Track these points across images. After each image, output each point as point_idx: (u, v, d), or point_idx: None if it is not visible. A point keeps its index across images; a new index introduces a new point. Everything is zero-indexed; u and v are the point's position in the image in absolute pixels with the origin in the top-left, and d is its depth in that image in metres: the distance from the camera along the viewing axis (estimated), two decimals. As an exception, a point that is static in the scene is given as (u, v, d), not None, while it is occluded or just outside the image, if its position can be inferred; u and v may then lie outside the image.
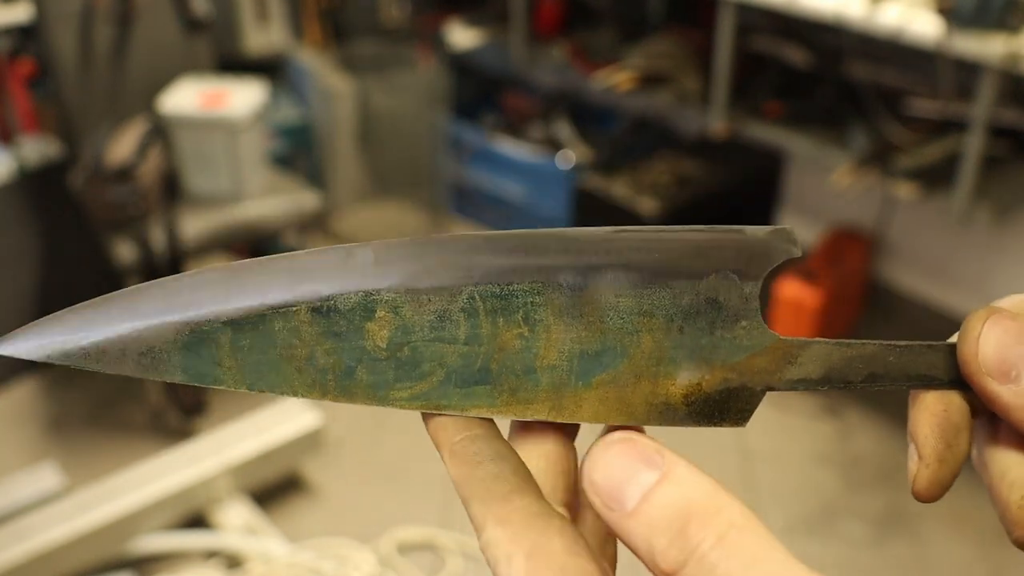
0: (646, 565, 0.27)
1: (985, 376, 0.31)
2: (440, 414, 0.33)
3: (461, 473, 0.31)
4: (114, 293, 0.33)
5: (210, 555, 1.95)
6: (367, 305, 0.32)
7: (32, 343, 0.34)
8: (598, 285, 0.32)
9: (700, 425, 0.33)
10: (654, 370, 0.32)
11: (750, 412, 0.33)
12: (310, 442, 2.13)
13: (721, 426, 0.33)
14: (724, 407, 0.33)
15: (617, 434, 0.28)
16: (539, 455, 0.34)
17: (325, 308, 0.32)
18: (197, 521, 2.01)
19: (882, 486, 2.20)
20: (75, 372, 2.50)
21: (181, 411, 2.32)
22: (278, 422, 2.12)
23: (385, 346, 0.32)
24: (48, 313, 0.35)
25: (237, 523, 1.98)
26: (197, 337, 0.32)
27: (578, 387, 0.33)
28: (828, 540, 2.05)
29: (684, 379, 0.32)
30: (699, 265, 0.32)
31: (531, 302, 0.32)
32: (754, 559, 0.25)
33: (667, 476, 0.27)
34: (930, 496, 0.33)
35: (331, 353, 0.32)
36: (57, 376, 2.51)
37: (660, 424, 0.33)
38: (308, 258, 0.33)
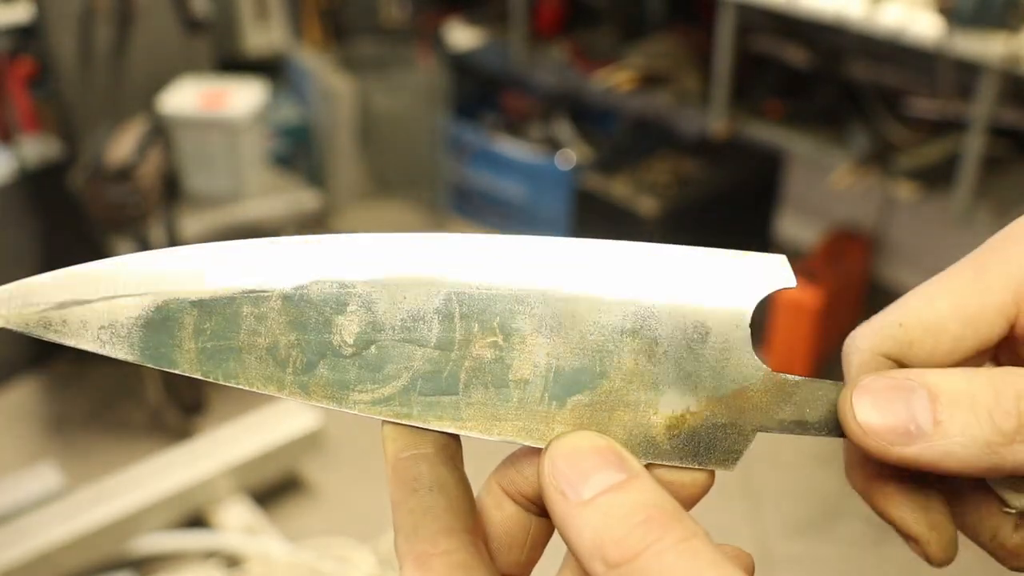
0: (581, 559, 0.26)
1: (889, 447, 0.28)
2: (395, 422, 0.31)
3: (396, 496, 0.30)
4: (88, 264, 0.32)
5: (210, 555, 1.95)
6: (340, 297, 0.31)
7: None
8: (580, 298, 0.30)
9: (684, 463, 0.30)
10: (635, 396, 0.30)
11: (739, 454, 0.31)
12: (310, 442, 2.13)
13: (706, 466, 0.31)
14: (710, 445, 0.30)
15: (594, 432, 0.28)
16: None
17: (296, 296, 0.31)
18: (197, 521, 2.01)
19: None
20: (75, 372, 2.50)
21: (181, 410, 2.32)
22: (278, 422, 2.12)
23: (352, 342, 0.31)
24: None
25: (237, 523, 1.98)
26: (161, 315, 0.31)
27: (551, 407, 0.30)
28: (828, 540, 2.05)
29: (667, 409, 0.30)
30: (689, 288, 0.30)
31: (509, 309, 0.30)
32: (711, 569, 0.24)
33: (635, 479, 0.26)
34: (951, 557, 0.31)
35: (294, 345, 0.31)
36: (57, 376, 2.51)
37: (640, 458, 0.30)
38: (287, 243, 0.32)
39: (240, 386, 0.31)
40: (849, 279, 2.55)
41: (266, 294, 0.31)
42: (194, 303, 0.31)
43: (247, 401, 2.30)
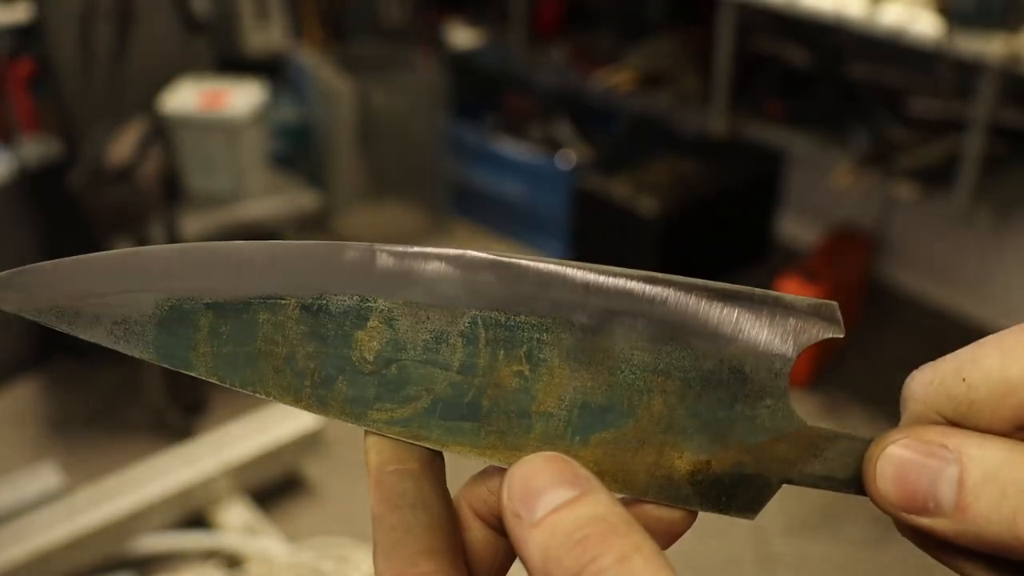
0: None
1: (903, 514, 0.27)
2: (378, 433, 0.30)
3: (378, 511, 0.29)
4: (101, 254, 0.31)
5: (210, 555, 1.95)
6: (360, 311, 0.30)
7: (4, 292, 0.31)
8: (613, 332, 0.29)
9: (704, 509, 0.30)
10: (661, 438, 0.29)
11: (761, 505, 0.30)
12: (310, 442, 2.13)
13: (727, 514, 0.30)
14: (733, 493, 0.29)
15: (552, 453, 0.27)
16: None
17: (315, 307, 0.30)
18: (197, 521, 2.01)
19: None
20: (75, 372, 2.50)
21: (181, 410, 2.32)
22: (278, 422, 2.12)
23: (372, 359, 0.30)
24: None
25: (237, 523, 1.98)
26: (176, 315, 0.30)
27: (574, 442, 0.29)
28: (828, 540, 2.04)
29: (693, 454, 0.29)
30: (730, 330, 0.29)
31: (537, 338, 0.29)
32: None
33: (585, 495, 0.26)
34: None
35: (313, 357, 0.30)
36: (57, 376, 2.51)
37: (659, 500, 0.30)
38: (306, 250, 0.31)
39: (257, 394, 0.30)
40: (849, 279, 2.55)
41: (283, 302, 0.30)
42: (209, 305, 0.30)
43: (247, 401, 2.30)
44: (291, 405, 0.30)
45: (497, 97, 3.30)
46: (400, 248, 0.30)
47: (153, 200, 2.20)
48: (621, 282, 0.30)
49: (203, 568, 1.89)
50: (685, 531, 0.30)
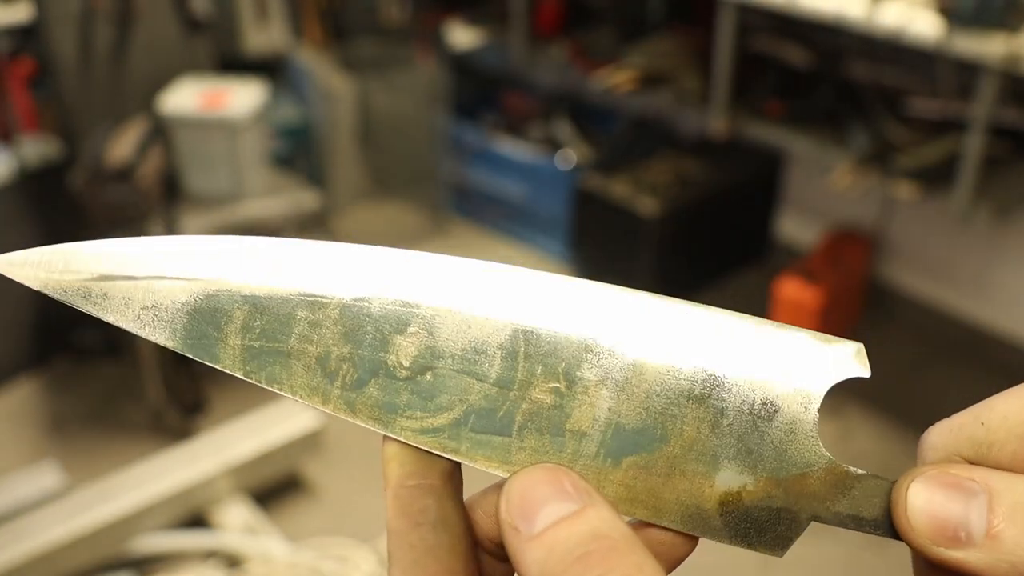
0: None
1: (934, 547, 0.27)
2: (399, 441, 0.30)
3: (397, 525, 0.28)
4: (134, 238, 0.31)
5: (210, 555, 1.95)
6: (402, 316, 0.29)
7: (32, 269, 0.31)
8: (652, 357, 0.29)
9: (732, 542, 0.30)
10: (693, 466, 0.29)
11: (790, 541, 0.30)
12: (310, 442, 2.13)
13: (756, 549, 0.30)
14: (763, 527, 0.29)
15: (551, 464, 0.27)
16: None
17: (356, 308, 0.30)
18: (197, 521, 2.01)
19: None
20: (75, 372, 2.50)
21: (181, 410, 2.32)
22: (278, 422, 2.12)
23: (408, 365, 0.29)
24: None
25: (237, 523, 1.98)
26: (210, 305, 0.30)
27: (605, 464, 0.29)
28: (829, 540, 2.04)
29: (724, 484, 0.29)
30: (764, 363, 0.30)
31: (576, 356, 0.29)
32: None
33: (586, 510, 0.25)
34: None
35: (347, 359, 0.30)
36: (57, 376, 2.51)
37: (687, 529, 0.30)
38: (352, 251, 0.30)
39: (282, 392, 0.30)
40: (849, 279, 2.55)
41: (325, 300, 0.30)
42: (246, 297, 0.30)
43: (247, 401, 2.30)
44: (317, 406, 0.30)
45: (497, 97, 3.30)
46: (447, 257, 0.30)
47: (153, 200, 2.20)
48: (663, 309, 0.30)
49: (203, 568, 1.89)
50: (686, 556, 0.30)
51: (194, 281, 0.30)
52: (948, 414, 0.29)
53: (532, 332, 0.29)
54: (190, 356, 0.30)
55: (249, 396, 2.34)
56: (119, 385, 2.46)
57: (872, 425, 2.35)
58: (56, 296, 0.30)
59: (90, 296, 0.30)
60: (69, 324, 2.44)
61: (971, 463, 0.28)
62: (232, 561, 1.93)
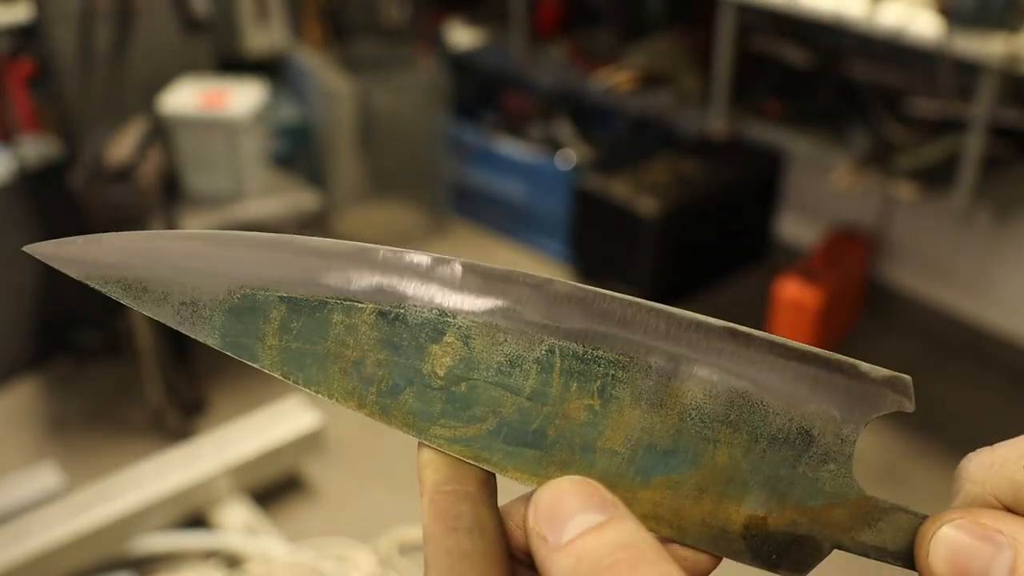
0: None
1: None
2: (434, 448, 0.30)
3: (434, 531, 0.28)
4: (179, 232, 0.31)
5: (210, 555, 1.95)
6: (438, 325, 0.30)
7: (73, 257, 0.31)
8: (688, 379, 0.29)
9: (753, 564, 0.30)
10: (721, 489, 0.29)
11: (810, 567, 0.30)
12: (310, 442, 2.13)
13: (775, 572, 0.30)
14: (784, 552, 0.29)
15: (579, 477, 0.27)
16: None
17: (393, 315, 0.30)
18: (197, 521, 2.01)
19: (883, 486, 2.20)
20: (75, 372, 2.50)
21: (181, 411, 2.32)
22: (278, 422, 2.12)
23: (443, 375, 0.30)
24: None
25: (237, 523, 1.98)
26: (248, 303, 0.30)
27: (635, 482, 0.29)
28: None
29: (750, 508, 0.29)
30: (802, 392, 0.29)
31: (612, 375, 0.29)
32: None
33: (613, 521, 0.26)
34: None
35: (383, 365, 0.30)
36: (57, 376, 2.51)
37: (709, 549, 0.30)
38: (390, 257, 0.30)
39: (319, 394, 0.30)
40: (849, 279, 2.55)
41: (361, 306, 0.30)
42: (283, 298, 0.30)
43: (247, 401, 2.30)
44: (353, 409, 0.30)
45: (497, 97, 3.30)
46: (486, 267, 0.30)
47: (152, 200, 2.20)
48: (702, 332, 0.30)
49: (203, 568, 1.89)
50: (709, 573, 0.30)
51: (233, 278, 0.30)
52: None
53: (569, 348, 0.29)
54: (229, 354, 0.30)
55: (249, 396, 2.34)
56: (119, 385, 2.46)
57: (872, 425, 2.35)
58: (95, 286, 0.30)
59: (130, 288, 0.30)
60: (69, 324, 2.44)
61: (1006, 506, 0.28)
62: (232, 561, 1.93)
